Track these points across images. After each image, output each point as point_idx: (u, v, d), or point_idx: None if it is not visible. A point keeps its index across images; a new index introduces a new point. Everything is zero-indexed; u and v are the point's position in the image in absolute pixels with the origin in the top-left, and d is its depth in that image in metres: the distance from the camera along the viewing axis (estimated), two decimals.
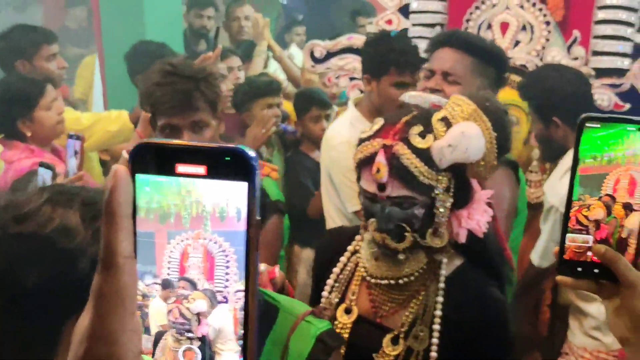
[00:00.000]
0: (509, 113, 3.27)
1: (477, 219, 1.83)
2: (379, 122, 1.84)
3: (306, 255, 3.67)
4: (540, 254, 2.97)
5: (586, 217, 1.03)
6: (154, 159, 0.56)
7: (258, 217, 0.56)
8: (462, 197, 1.82)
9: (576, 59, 3.29)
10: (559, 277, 1.07)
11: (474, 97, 1.85)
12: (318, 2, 9.48)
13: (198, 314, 0.58)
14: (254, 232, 0.56)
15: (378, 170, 1.76)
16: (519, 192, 2.85)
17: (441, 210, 1.78)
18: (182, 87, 2.27)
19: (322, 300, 1.98)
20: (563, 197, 2.82)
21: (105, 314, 0.53)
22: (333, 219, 3.16)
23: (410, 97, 2.02)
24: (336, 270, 1.98)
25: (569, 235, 1.05)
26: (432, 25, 3.56)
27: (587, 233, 1.03)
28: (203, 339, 0.58)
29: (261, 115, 3.65)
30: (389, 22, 3.67)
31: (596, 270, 1.03)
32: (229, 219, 0.56)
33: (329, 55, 3.78)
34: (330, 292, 1.98)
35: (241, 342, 0.58)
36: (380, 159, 1.76)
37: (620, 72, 3.27)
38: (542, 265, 2.98)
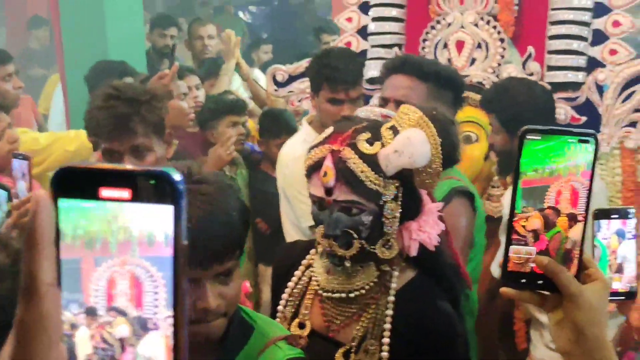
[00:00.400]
0: (469, 132, 3.37)
1: (427, 231, 1.85)
2: (329, 130, 1.88)
3: (269, 274, 3.71)
4: (498, 265, 2.98)
5: (524, 227, 1.05)
6: (77, 183, 0.55)
7: (185, 242, 0.55)
8: (412, 208, 1.85)
9: (532, 74, 3.35)
10: (502, 289, 1.09)
11: (422, 107, 1.90)
12: (282, 20, 9.63)
13: (121, 340, 0.57)
14: (181, 257, 0.55)
15: (325, 174, 1.80)
16: (475, 223, 2.86)
17: (389, 218, 1.81)
18: (121, 110, 2.22)
19: (278, 314, 2.00)
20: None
21: (27, 344, 0.52)
22: (291, 236, 3.19)
23: (361, 111, 2.07)
24: (291, 284, 2.00)
25: (512, 247, 1.07)
26: (390, 46, 3.62)
27: (527, 244, 1.04)
28: None
29: (225, 135, 3.67)
30: (349, 44, 3.74)
31: (540, 282, 1.05)
32: (157, 244, 0.55)
33: (291, 78, 3.83)
34: (285, 307, 2.00)
35: None
36: (328, 163, 1.79)
37: (575, 86, 3.34)
38: (498, 277, 3.00)
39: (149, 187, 0.55)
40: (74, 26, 5.55)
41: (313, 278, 1.97)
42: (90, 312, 0.56)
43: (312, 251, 2.00)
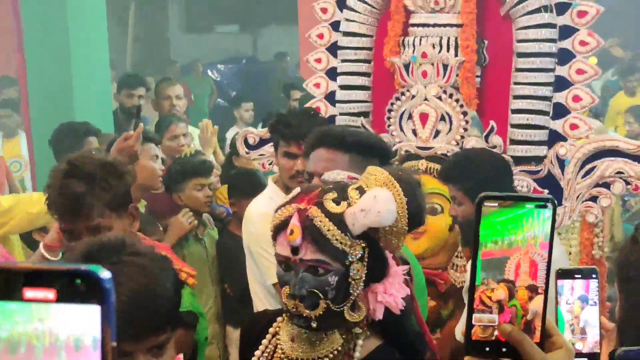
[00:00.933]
0: (434, 204, 3.40)
1: (393, 294, 1.86)
2: (295, 191, 1.91)
3: (237, 337, 3.73)
4: (462, 330, 2.99)
5: (490, 297, 1.06)
6: (1, 283, 0.54)
7: (113, 343, 0.54)
8: (377, 270, 1.85)
9: (494, 147, 3.39)
10: (466, 358, 1.10)
11: (389, 168, 1.96)
12: (251, 78, 9.77)
13: None
14: None
15: (292, 232, 1.81)
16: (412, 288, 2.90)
17: (356, 279, 1.82)
18: (75, 190, 2.14)
19: None
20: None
21: None
22: (257, 294, 3.21)
23: (328, 174, 2.17)
24: (258, 353, 1.99)
25: (475, 316, 1.07)
26: (357, 115, 3.68)
27: (491, 314, 1.05)
28: None
29: (190, 201, 3.68)
30: (318, 109, 3.80)
31: (504, 350, 1.05)
32: (84, 348, 0.53)
33: (262, 141, 3.87)
34: None
35: None
36: (295, 221, 1.81)
37: (538, 160, 3.39)
38: (461, 340, 3.01)
39: (75, 287, 0.53)
40: (40, 87, 5.63)
41: (279, 346, 1.96)
42: None
43: (279, 319, 2.01)
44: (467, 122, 3.49)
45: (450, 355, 3.22)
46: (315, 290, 1.80)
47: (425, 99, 3.53)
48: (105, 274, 0.54)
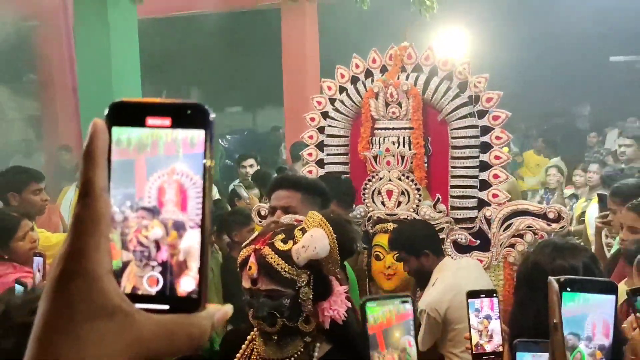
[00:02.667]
0: (378, 252, 3.64)
1: (337, 308, 1.88)
2: (255, 234, 1.97)
3: None
4: (421, 342, 3.23)
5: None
6: (127, 114, 0.53)
7: (213, 162, 0.54)
8: (322, 291, 1.87)
9: (441, 212, 3.64)
10: None
11: (323, 211, 2.00)
12: (250, 146, 10.00)
13: (156, 241, 0.53)
14: (208, 174, 0.53)
15: (250, 268, 1.85)
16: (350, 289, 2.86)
17: (305, 300, 1.84)
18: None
19: None
20: (429, 302, 3.07)
21: (81, 235, 0.50)
22: None
23: (284, 218, 2.25)
24: (238, 355, 2.01)
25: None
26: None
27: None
28: (164, 265, 0.53)
29: None
30: (310, 172, 3.94)
31: None
32: (197, 145, 0.53)
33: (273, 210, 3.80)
34: None
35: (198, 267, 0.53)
36: (252, 260, 1.85)
37: (471, 220, 3.63)
38: (422, 349, 3.25)
39: (186, 116, 0.53)
40: None
41: (255, 349, 1.98)
42: (143, 210, 0.54)
43: (255, 329, 2.02)
44: (420, 195, 3.70)
45: None
46: (273, 312, 1.83)
47: (390, 180, 3.75)
48: (208, 107, 0.54)
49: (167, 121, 0.53)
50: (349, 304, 1.93)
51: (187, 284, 0.53)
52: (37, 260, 2.79)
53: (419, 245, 3.44)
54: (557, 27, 10.62)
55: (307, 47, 8.46)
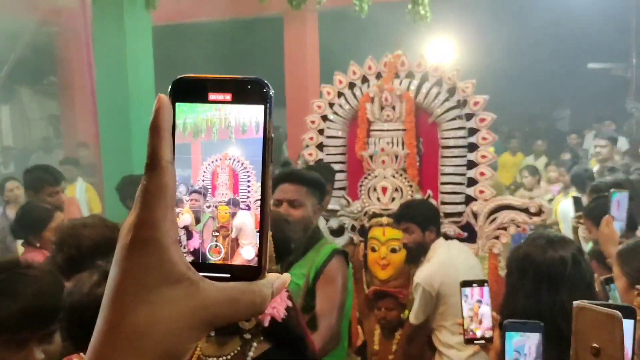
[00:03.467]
0: (394, 245, 3.68)
1: (276, 307, 1.81)
2: None
3: None
4: (414, 315, 3.36)
5: None
6: (190, 90, 0.52)
7: (272, 134, 0.52)
8: None
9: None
10: None
11: None
12: None
13: (185, 227, 0.53)
14: (269, 145, 0.52)
15: None
16: (348, 275, 2.89)
17: None
18: None
19: None
20: (425, 276, 3.09)
21: (149, 205, 0.49)
22: None
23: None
24: None
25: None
26: (338, 189, 3.95)
27: None
28: (226, 236, 0.53)
29: None
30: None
31: None
32: (249, 130, 0.52)
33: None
34: None
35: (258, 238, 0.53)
36: None
37: (460, 214, 3.70)
38: (415, 323, 3.39)
39: (246, 91, 0.52)
40: (108, 149, 5.68)
41: (198, 346, 1.90)
42: (200, 192, 0.53)
43: None
44: (412, 191, 3.75)
45: (407, 336, 3.49)
46: None
47: (385, 178, 3.82)
48: (267, 82, 0.52)
49: (228, 96, 0.52)
50: (290, 303, 1.87)
51: (247, 253, 0.53)
52: None
53: (427, 220, 3.46)
54: (539, 36, 10.67)
55: (308, 53, 8.49)
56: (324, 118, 4.02)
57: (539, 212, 3.56)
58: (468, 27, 9.13)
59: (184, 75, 0.53)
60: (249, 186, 0.52)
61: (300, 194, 2.93)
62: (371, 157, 3.86)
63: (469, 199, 3.73)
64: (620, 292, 2.19)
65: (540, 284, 2.08)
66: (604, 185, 3.76)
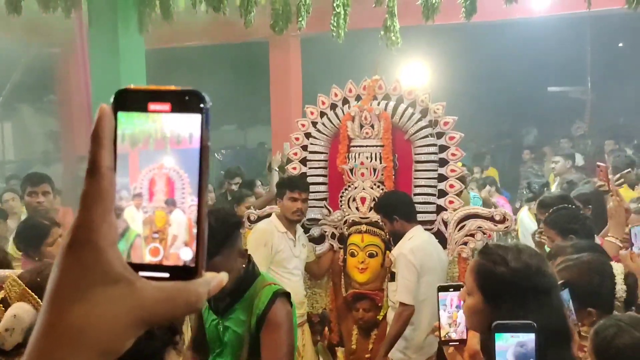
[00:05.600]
0: (372, 251, 3.73)
1: None
2: None
3: None
4: (404, 291, 3.38)
5: None
6: (131, 100, 0.51)
7: (208, 143, 0.51)
8: None
9: None
10: None
11: (28, 273, 1.52)
12: (242, 159, 10.06)
13: (156, 218, 0.52)
14: (205, 153, 0.51)
15: None
16: (293, 316, 2.47)
17: None
18: None
19: None
20: (407, 248, 3.34)
21: (88, 208, 0.48)
22: (276, 274, 3.52)
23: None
24: None
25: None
26: (320, 199, 4.00)
27: None
28: (164, 238, 0.52)
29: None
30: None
31: None
32: (183, 142, 0.51)
33: (259, 218, 4.00)
34: None
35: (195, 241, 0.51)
36: None
37: (431, 222, 3.76)
38: (408, 302, 3.39)
39: (184, 102, 0.50)
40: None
41: None
42: (137, 196, 0.51)
43: None
44: None
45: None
46: None
47: (363, 189, 3.89)
48: (204, 94, 0.51)
49: (167, 106, 0.51)
50: None
51: (185, 254, 0.51)
52: None
53: (391, 212, 3.57)
54: (504, 61, 10.89)
55: (292, 76, 8.57)
56: (308, 135, 4.09)
57: (503, 220, 3.65)
58: (438, 54, 9.33)
59: (126, 87, 0.52)
60: (184, 192, 0.51)
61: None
62: (351, 170, 3.93)
63: (440, 209, 3.80)
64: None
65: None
66: (550, 200, 3.79)
